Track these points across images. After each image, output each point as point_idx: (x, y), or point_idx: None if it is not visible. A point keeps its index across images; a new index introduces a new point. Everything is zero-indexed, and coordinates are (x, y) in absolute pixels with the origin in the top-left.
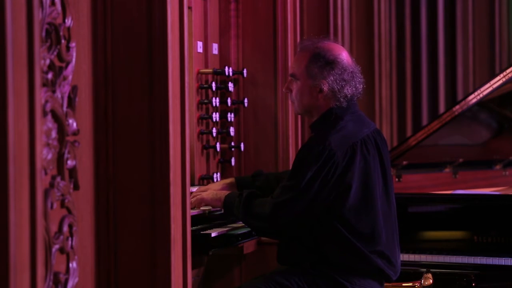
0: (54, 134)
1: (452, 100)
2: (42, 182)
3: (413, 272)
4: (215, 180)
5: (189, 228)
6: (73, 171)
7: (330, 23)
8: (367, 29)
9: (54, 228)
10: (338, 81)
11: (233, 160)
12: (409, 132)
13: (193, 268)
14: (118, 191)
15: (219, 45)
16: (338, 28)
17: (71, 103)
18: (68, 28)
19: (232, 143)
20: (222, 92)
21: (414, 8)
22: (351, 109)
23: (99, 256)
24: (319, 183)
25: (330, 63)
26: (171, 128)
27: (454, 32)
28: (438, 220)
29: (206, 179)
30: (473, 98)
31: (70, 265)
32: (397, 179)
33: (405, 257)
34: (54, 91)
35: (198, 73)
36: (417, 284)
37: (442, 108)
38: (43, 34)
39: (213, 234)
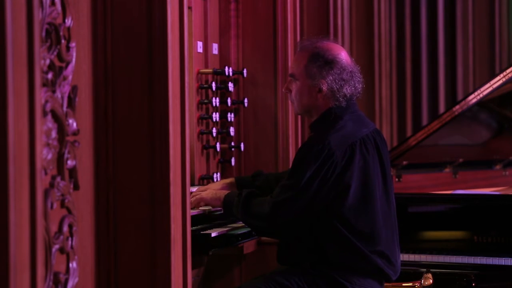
0: (54, 134)
1: (452, 100)
2: (42, 182)
3: (413, 272)
4: (215, 180)
5: (189, 228)
6: (73, 171)
7: (330, 23)
8: (367, 29)
9: (54, 228)
10: (337, 80)
11: (233, 160)
12: (409, 132)
13: (193, 268)
14: (118, 191)
15: (219, 45)
16: (338, 28)
17: (71, 103)
18: (68, 28)
19: (232, 143)
20: (222, 92)
21: (414, 8)
22: (351, 108)
23: (99, 256)
24: (318, 182)
25: (329, 62)
26: (171, 128)
27: (454, 32)
28: (438, 220)
29: (206, 179)
30: (473, 98)
31: (70, 265)
32: (397, 179)
33: (405, 257)
34: (54, 91)
35: (198, 73)
36: (417, 284)
37: (442, 108)
38: (43, 34)
39: (213, 234)
